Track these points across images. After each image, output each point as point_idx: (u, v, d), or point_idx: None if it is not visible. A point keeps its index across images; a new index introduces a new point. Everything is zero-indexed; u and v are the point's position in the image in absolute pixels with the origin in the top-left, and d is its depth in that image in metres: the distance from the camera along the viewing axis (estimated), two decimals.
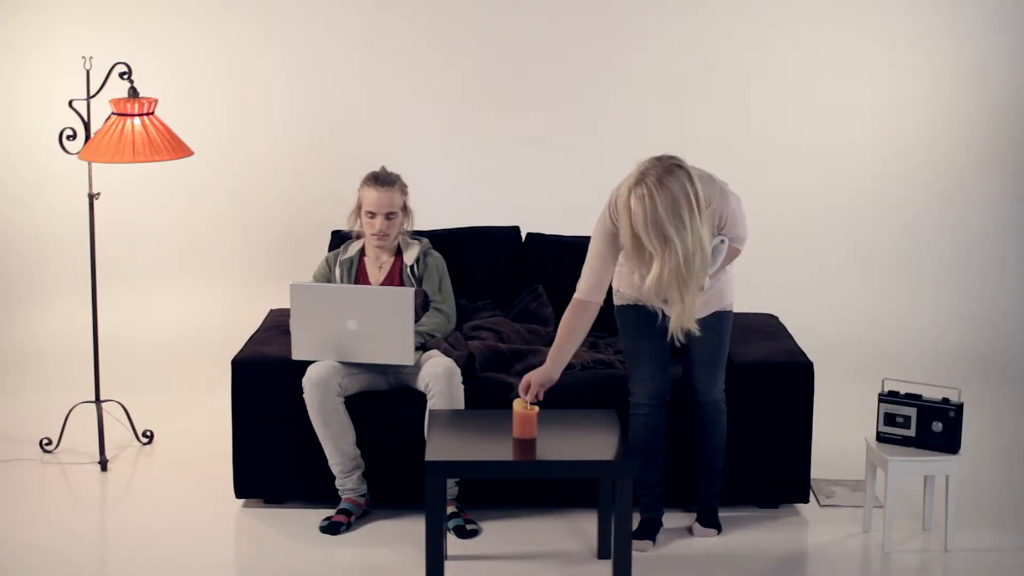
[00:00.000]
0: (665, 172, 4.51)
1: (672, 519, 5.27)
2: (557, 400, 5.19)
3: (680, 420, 5.25)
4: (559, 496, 5.35)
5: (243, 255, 7.03)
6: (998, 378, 6.86)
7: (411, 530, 5.16)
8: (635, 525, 5.07)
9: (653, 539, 5.06)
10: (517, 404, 4.61)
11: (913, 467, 4.97)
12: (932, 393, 5.17)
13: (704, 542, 5.10)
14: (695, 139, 7.03)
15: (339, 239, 5.73)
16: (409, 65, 6.94)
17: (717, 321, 5.00)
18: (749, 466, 5.29)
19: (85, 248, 6.06)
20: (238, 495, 5.37)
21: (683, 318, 4.66)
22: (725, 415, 5.13)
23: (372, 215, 5.40)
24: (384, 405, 5.28)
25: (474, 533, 5.15)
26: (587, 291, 4.83)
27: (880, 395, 5.07)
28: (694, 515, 5.23)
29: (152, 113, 5.67)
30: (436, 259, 5.51)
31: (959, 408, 4.98)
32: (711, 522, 5.17)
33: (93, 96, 5.76)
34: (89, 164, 5.78)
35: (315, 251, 6.21)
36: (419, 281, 5.45)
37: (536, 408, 4.63)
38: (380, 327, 5.09)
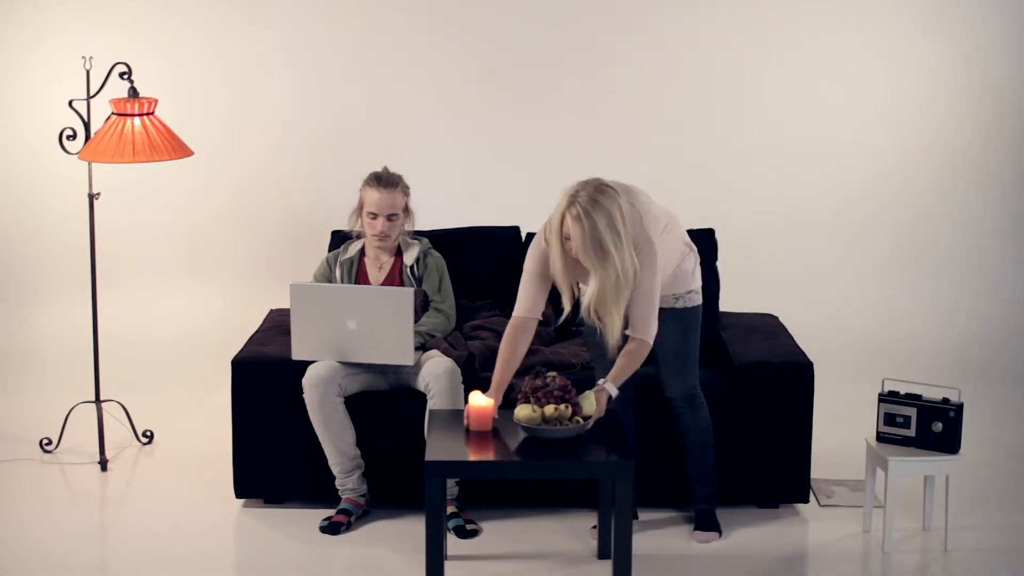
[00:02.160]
0: (597, 192, 4.60)
1: (672, 519, 5.27)
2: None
3: (667, 413, 5.26)
4: (559, 496, 5.35)
5: (243, 255, 7.03)
6: (998, 378, 6.86)
7: (411, 530, 5.16)
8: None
9: (720, 531, 5.17)
10: (472, 397, 4.65)
11: (913, 467, 4.97)
12: (932, 393, 5.17)
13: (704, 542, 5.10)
14: (695, 139, 7.04)
15: (339, 239, 5.73)
16: (409, 65, 6.94)
17: (680, 315, 5.00)
18: (749, 466, 5.29)
19: (85, 248, 6.06)
20: (238, 495, 5.37)
21: (614, 333, 4.69)
22: (703, 410, 5.11)
23: (374, 216, 5.40)
24: (384, 405, 5.28)
25: (474, 533, 5.15)
26: (526, 310, 4.83)
27: (880, 395, 5.07)
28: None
29: (152, 113, 5.67)
30: (436, 259, 5.51)
31: (959, 408, 4.98)
32: (709, 525, 5.15)
33: (93, 96, 5.76)
34: (89, 164, 5.78)
35: (315, 251, 6.21)
36: (419, 281, 5.45)
37: (491, 401, 4.67)
38: (380, 327, 5.09)
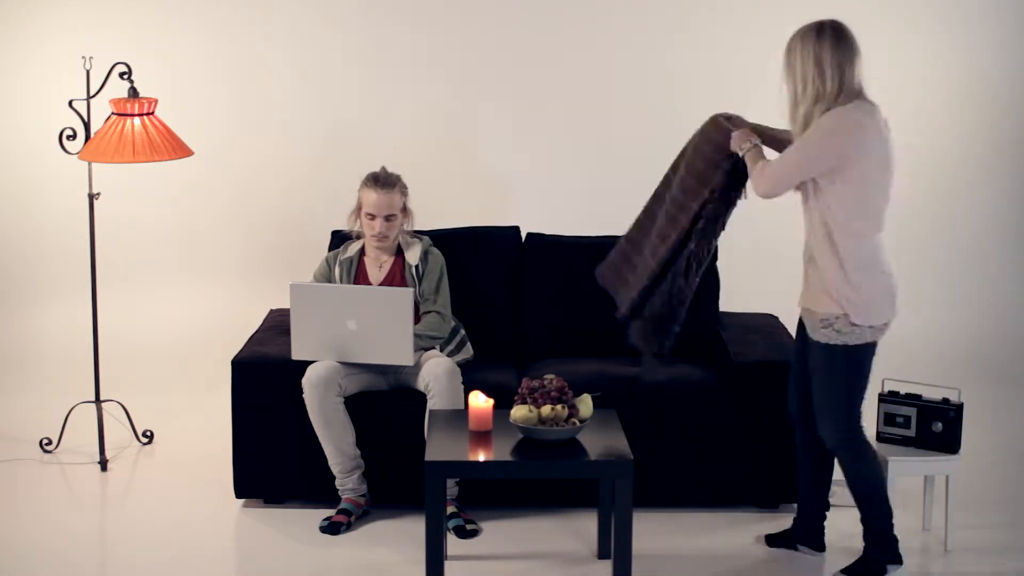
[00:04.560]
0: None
1: (667, 518, 5.27)
2: None
3: (671, 411, 5.26)
4: (559, 496, 5.35)
5: (243, 255, 7.03)
6: (998, 378, 6.86)
7: (411, 530, 5.16)
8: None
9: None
10: (472, 397, 4.65)
11: (913, 467, 4.97)
12: (932, 393, 5.17)
13: (704, 542, 5.09)
14: None
15: (339, 239, 5.73)
16: (409, 65, 6.94)
17: (821, 355, 4.65)
18: (749, 466, 5.29)
19: (85, 248, 6.06)
20: (238, 495, 5.37)
21: None
22: (859, 462, 4.69)
23: (372, 217, 5.39)
24: (384, 405, 5.28)
25: (474, 533, 5.15)
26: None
27: (880, 395, 5.07)
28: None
29: (152, 113, 5.67)
30: (437, 257, 5.51)
31: (959, 408, 4.98)
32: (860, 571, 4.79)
33: (93, 96, 5.76)
34: (89, 164, 5.78)
35: (315, 251, 6.21)
36: (422, 280, 5.45)
37: (491, 401, 4.68)
38: (380, 327, 5.09)
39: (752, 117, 6.98)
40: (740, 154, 4.73)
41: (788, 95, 4.63)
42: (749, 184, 4.80)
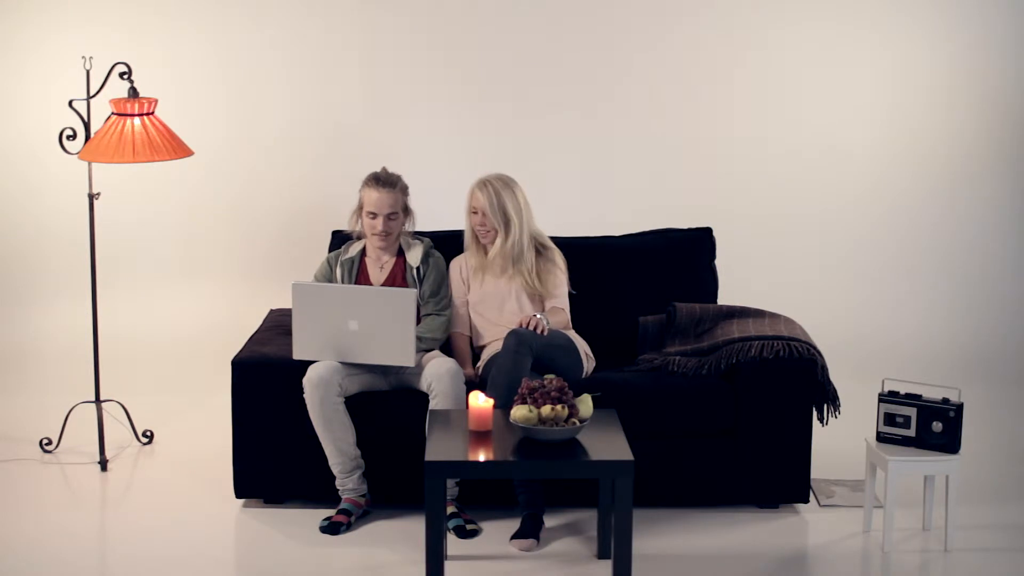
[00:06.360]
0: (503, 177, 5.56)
1: (667, 518, 5.27)
2: None
3: (671, 411, 5.26)
4: (559, 496, 5.35)
5: (243, 255, 7.03)
6: (998, 378, 6.86)
7: (411, 530, 5.16)
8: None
9: (537, 537, 5.05)
10: (472, 398, 4.66)
11: (913, 467, 4.97)
12: (932, 393, 5.17)
13: (704, 541, 5.09)
14: (695, 139, 7.04)
15: (340, 239, 5.73)
16: (409, 65, 6.94)
17: None
18: (749, 466, 5.29)
19: (85, 248, 6.06)
20: (238, 495, 5.37)
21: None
22: None
23: (373, 215, 5.40)
24: (384, 405, 5.28)
25: (474, 533, 5.15)
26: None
27: (880, 395, 5.07)
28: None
29: (152, 113, 5.67)
30: (438, 259, 5.51)
31: (959, 408, 4.98)
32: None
33: (93, 96, 5.76)
34: (89, 164, 5.78)
35: (315, 251, 6.21)
36: (423, 282, 5.45)
37: (491, 401, 4.70)
38: (381, 328, 5.09)
39: (749, 116, 7.02)
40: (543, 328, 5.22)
41: None
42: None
